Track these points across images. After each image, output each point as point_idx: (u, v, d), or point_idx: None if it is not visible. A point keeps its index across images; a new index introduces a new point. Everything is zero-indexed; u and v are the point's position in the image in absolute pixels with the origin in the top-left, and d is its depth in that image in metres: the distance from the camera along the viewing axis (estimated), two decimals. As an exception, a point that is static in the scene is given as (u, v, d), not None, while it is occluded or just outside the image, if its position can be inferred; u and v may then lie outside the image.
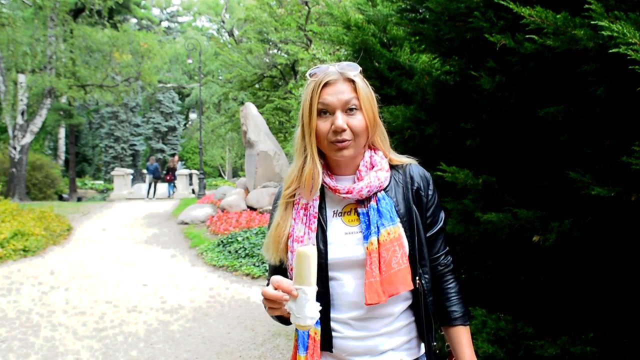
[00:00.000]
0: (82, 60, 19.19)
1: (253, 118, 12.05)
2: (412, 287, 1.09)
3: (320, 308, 1.01)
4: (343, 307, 1.11)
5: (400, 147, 2.10)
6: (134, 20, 31.84)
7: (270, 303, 1.01)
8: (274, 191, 11.10)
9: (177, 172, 20.14)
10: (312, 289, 0.98)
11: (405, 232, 1.12)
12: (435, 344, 1.18)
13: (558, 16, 1.34)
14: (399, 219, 1.12)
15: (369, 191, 1.11)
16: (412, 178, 1.18)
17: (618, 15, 1.20)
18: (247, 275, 6.63)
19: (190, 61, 22.44)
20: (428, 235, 1.18)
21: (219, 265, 7.20)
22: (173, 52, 31.52)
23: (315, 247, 1.03)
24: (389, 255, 1.07)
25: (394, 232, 1.09)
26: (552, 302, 1.72)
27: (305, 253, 0.97)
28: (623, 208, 1.39)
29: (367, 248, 1.08)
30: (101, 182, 32.26)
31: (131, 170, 23.55)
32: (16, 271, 6.83)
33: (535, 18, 1.37)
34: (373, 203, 1.11)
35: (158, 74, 25.07)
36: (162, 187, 20.30)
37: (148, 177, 18.74)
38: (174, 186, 19.50)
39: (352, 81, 1.12)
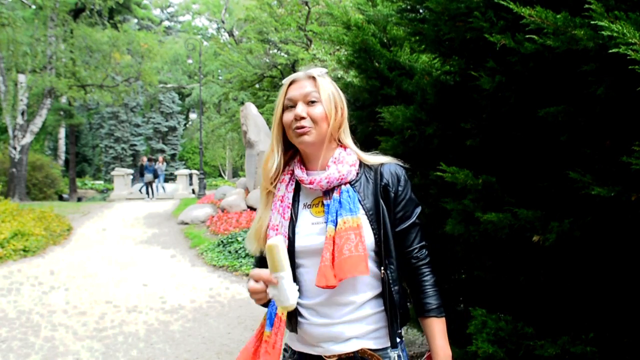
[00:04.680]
0: (82, 61, 19.19)
1: (253, 118, 12.04)
2: (366, 274, 1.14)
3: (297, 287, 1.13)
4: (308, 292, 1.21)
5: (400, 147, 2.10)
6: (135, 20, 31.81)
7: (256, 295, 1.15)
8: (274, 191, 11.09)
9: (177, 172, 20.20)
10: (287, 273, 1.10)
11: (372, 225, 1.21)
12: (400, 331, 1.24)
13: (558, 16, 1.34)
14: (363, 212, 1.21)
15: (328, 182, 1.21)
16: (381, 174, 1.26)
17: (618, 15, 1.20)
18: (247, 275, 6.61)
19: (190, 61, 22.42)
20: (399, 229, 1.25)
21: (219, 265, 7.20)
22: (173, 52, 31.51)
23: (281, 237, 1.16)
24: (342, 242, 1.14)
25: (352, 222, 1.16)
26: (552, 302, 1.72)
27: (274, 244, 1.08)
28: (623, 208, 1.39)
29: (326, 236, 1.17)
30: (101, 182, 32.25)
31: (131, 171, 23.53)
32: (16, 271, 6.83)
33: (535, 18, 1.36)
34: (336, 195, 1.21)
35: (158, 74, 25.06)
36: (166, 187, 20.34)
37: (148, 177, 18.77)
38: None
39: (315, 79, 1.25)
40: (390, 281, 1.21)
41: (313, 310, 1.21)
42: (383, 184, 1.25)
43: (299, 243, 1.22)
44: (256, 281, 1.14)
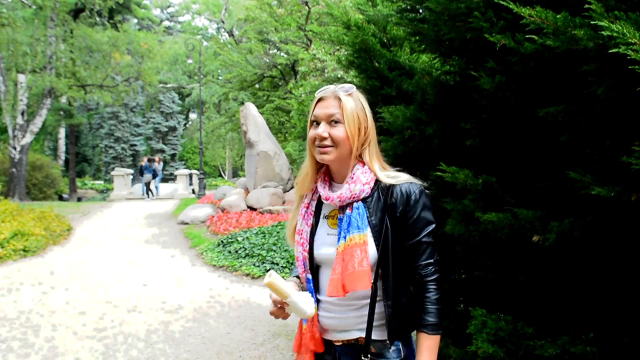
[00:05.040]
0: (82, 61, 19.18)
1: (253, 118, 12.04)
2: (367, 288, 1.25)
3: (309, 295, 1.34)
4: (323, 290, 1.36)
5: (400, 147, 2.10)
6: (135, 20, 31.78)
7: (279, 316, 1.35)
8: (274, 191, 11.11)
9: (177, 172, 20.22)
10: (294, 294, 1.29)
11: (375, 241, 1.29)
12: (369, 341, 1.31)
13: (558, 16, 1.34)
14: (369, 228, 1.30)
15: (340, 200, 1.31)
16: (392, 193, 1.32)
17: (618, 15, 1.20)
18: (247, 275, 6.63)
19: (190, 61, 22.38)
20: (406, 245, 1.31)
21: (219, 265, 7.20)
22: (173, 52, 31.50)
23: (272, 271, 1.26)
24: (348, 258, 1.26)
25: (359, 238, 1.27)
26: (552, 302, 1.72)
27: (269, 282, 1.25)
28: (623, 208, 1.39)
29: (336, 250, 1.30)
30: (101, 182, 32.23)
31: (131, 171, 23.51)
32: (16, 271, 6.83)
33: (535, 18, 1.36)
34: (348, 211, 1.31)
35: (158, 74, 25.05)
36: (166, 187, 20.31)
37: (147, 178, 18.79)
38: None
39: (340, 99, 1.31)
40: (378, 296, 1.29)
41: (324, 305, 1.36)
42: (391, 202, 1.31)
43: (316, 251, 1.37)
44: (275, 305, 1.32)
